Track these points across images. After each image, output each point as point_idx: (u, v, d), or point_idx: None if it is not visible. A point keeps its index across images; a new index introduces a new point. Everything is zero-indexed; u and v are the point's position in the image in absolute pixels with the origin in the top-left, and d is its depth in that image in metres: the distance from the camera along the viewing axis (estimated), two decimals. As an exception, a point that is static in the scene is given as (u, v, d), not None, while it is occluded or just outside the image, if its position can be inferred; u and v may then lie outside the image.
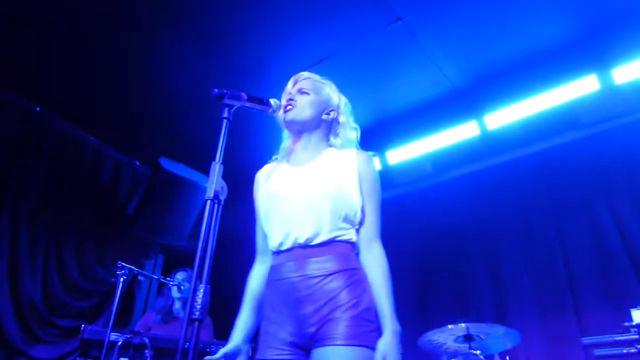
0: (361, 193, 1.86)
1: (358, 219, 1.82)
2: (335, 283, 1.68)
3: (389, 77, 4.45)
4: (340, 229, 1.77)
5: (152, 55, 4.19)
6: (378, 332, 1.66)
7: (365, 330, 1.62)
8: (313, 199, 1.79)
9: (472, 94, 4.58)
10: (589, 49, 4.04)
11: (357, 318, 1.63)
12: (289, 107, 1.97)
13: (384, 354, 1.57)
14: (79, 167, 5.15)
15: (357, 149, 2.03)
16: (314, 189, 1.81)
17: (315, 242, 1.74)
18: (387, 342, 1.60)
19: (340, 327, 1.60)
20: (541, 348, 4.04)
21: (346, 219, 1.79)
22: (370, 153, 2.00)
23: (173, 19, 3.86)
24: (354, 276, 1.72)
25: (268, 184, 1.96)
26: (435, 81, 4.46)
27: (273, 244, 1.84)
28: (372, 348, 1.59)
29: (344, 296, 1.66)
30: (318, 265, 1.72)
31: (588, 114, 4.26)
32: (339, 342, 1.58)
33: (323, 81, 2.10)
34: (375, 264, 1.77)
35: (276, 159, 2.09)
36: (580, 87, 4.20)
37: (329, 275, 1.70)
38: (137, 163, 5.75)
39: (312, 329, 1.65)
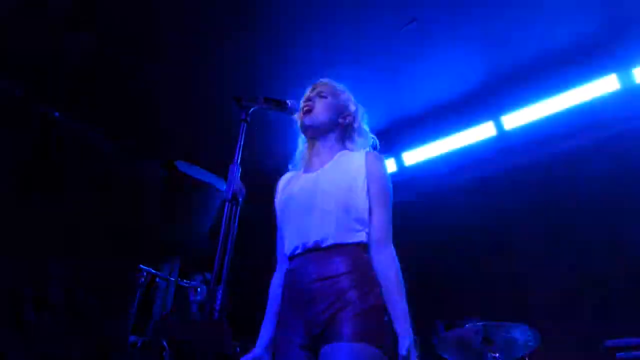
0: (368, 194, 1.85)
1: (367, 221, 1.82)
2: (342, 284, 1.69)
3: (405, 78, 4.43)
4: (348, 232, 1.78)
5: (168, 58, 4.23)
6: (385, 329, 1.65)
7: (370, 328, 1.61)
8: (321, 204, 1.81)
9: (488, 94, 4.55)
10: (609, 48, 3.98)
11: (363, 316, 1.62)
12: (307, 108, 2.00)
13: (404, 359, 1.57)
14: (97, 170, 5.20)
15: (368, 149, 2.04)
16: (321, 194, 1.84)
17: (324, 245, 1.76)
18: (406, 347, 1.59)
19: (346, 325, 1.60)
20: (561, 350, 3.99)
21: (355, 222, 1.79)
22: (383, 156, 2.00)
23: (190, 21, 3.89)
24: (362, 277, 1.72)
25: (284, 193, 2.01)
26: (451, 82, 4.44)
27: (287, 249, 1.87)
28: (377, 346, 1.59)
29: (350, 296, 1.66)
30: (327, 267, 1.73)
31: (608, 114, 4.19)
32: (344, 340, 1.58)
33: (342, 88, 2.13)
34: (386, 267, 1.75)
35: (293, 166, 2.12)
36: (600, 87, 4.14)
37: (337, 276, 1.70)
38: (154, 166, 5.80)
39: (318, 329, 1.66)
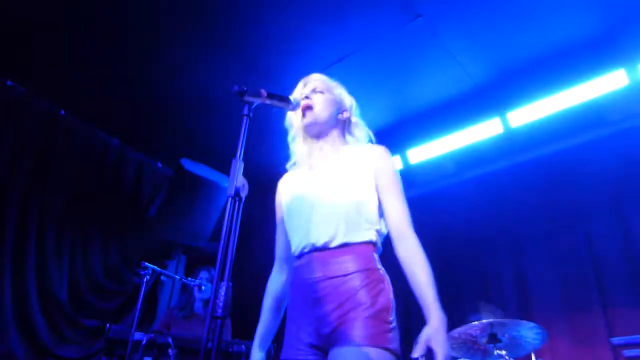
0: (377, 189, 1.84)
1: (376, 218, 1.80)
2: (352, 283, 1.68)
3: (410, 74, 4.40)
4: (358, 231, 1.76)
5: (173, 57, 4.23)
6: (394, 332, 1.64)
7: (380, 331, 1.60)
8: (329, 203, 1.80)
9: (494, 91, 4.51)
10: (617, 43, 3.93)
11: (373, 319, 1.61)
12: (306, 105, 1.97)
13: (429, 338, 1.53)
14: (102, 169, 5.22)
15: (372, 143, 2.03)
16: (329, 193, 1.82)
17: (332, 245, 1.74)
18: (433, 327, 1.56)
19: (355, 327, 1.60)
20: (567, 348, 3.96)
21: (364, 221, 1.78)
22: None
23: (194, 20, 3.88)
24: (372, 276, 1.71)
25: (289, 191, 1.99)
26: (456, 78, 4.40)
27: (293, 248, 1.86)
28: (387, 349, 1.58)
29: (360, 296, 1.65)
30: (336, 267, 1.72)
31: (616, 110, 4.15)
32: (353, 343, 1.57)
33: (334, 82, 2.12)
34: (411, 255, 1.72)
35: (293, 164, 2.09)
36: (608, 83, 4.09)
37: (347, 275, 1.69)
38: (159, 164, 5.81)
39: (328, 329, 1.65)
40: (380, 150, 1.94)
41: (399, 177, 1.91)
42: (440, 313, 1.59)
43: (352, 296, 1.65)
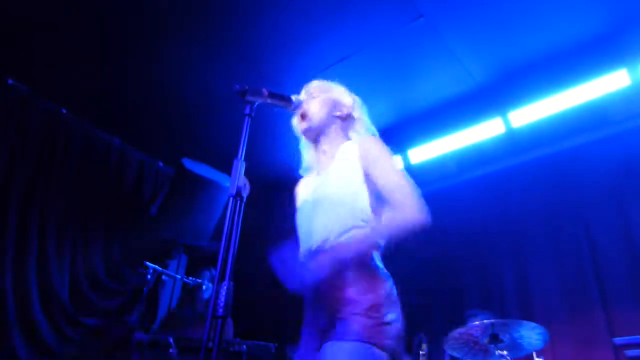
0: (368, 179, 1.84)
1: (368, 214, 1.81)
2: (344, 282, 1.70)
3: (412, 74, 4.40)
4: (349, 229, 1.78)
5: (174, 56, 4.23)
6: (383, 327, 1.64)
7: (367, 326, 1.61)
8: (325, 207, 1.83)
9: (496, 91, 4.51)
10: (619, 43, 3.93)
11: (361, 315, 1.63)
12: (301, 113, 2.01)
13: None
14: (104, 168, 5.23)
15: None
16: (324, 198, 1.86)
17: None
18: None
19: (344, 323, 1.62)
20: (569, 348, 3.96)
21: (357, 219, 1.80)
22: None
23: (194, 19, 3.88)
24: (363, 275, 1.73)
25: (298, 200, 2.06)
26: (458, 78, 4.40)
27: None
28: (375, 344, 1.58)
29: (350, 294, 1.68)
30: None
31: (617, 110, 4.14)
32: (341, 337, 1.60)
33: (334, 84, 2.15)
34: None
35: (304, 171, 2.13)
36: (610, 83, 4.09)
37: (338, 274, 1.71)
38: (161, 164, 5.82)
39: (324, 328, 1.69)
40: (365, 140, 1.94)
41: (390, 158, 1.89)
42: (338, 247, 1.69)
43: (342, 295, 1.68)
